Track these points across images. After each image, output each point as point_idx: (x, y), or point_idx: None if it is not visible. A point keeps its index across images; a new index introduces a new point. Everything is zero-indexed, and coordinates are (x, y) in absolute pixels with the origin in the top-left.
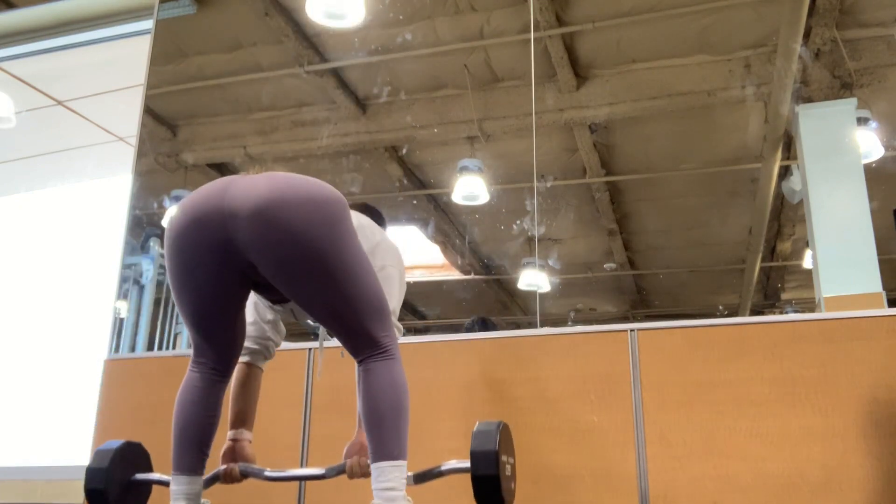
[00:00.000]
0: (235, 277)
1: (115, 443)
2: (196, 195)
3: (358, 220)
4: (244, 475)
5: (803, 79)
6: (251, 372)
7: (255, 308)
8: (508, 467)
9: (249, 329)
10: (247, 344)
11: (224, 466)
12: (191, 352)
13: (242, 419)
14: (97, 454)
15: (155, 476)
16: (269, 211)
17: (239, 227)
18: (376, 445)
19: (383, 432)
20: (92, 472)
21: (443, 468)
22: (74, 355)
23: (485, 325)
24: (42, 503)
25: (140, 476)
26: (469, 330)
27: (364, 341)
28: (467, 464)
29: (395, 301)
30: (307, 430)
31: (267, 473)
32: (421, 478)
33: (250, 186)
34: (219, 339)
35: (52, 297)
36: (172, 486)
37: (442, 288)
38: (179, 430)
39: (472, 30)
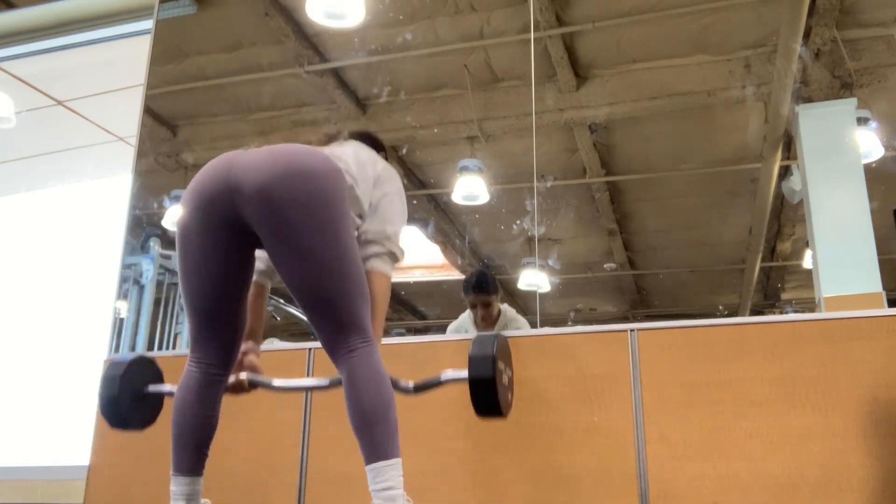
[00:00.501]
0: (242, 251)
1: (128, 355)
2: (202, 177)
3: (357, 155)
4: (252, 385)
5: (803, 79)
6: (259, 291)
7: None
8: (506, 377)
9: (259, 252)
10: (257, 265)
11: (232, 377)
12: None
13: (251, 332)
14: (111, 365)
15: (167, 388)
16: (269, 187)
17: (243, 202)
18: (369, 447)
19: (375, 433)
20: (105, 381)
21: (442, 378)
22: (74, 355)
23: (484, 276)
24: (42, 503)
25: (153, 388)
26: (468, 283)
27: (349, 326)
28: (465, 373)
29: (398, 223)
30: (307, 430)
31: (275, 383)
32: (421, 388)
33: (252, 162)
34: (220, 330)
35: (53, 298)
36: (172, 487)
37: (442, 288)
38: (178, 431)
39: (472, 30)
